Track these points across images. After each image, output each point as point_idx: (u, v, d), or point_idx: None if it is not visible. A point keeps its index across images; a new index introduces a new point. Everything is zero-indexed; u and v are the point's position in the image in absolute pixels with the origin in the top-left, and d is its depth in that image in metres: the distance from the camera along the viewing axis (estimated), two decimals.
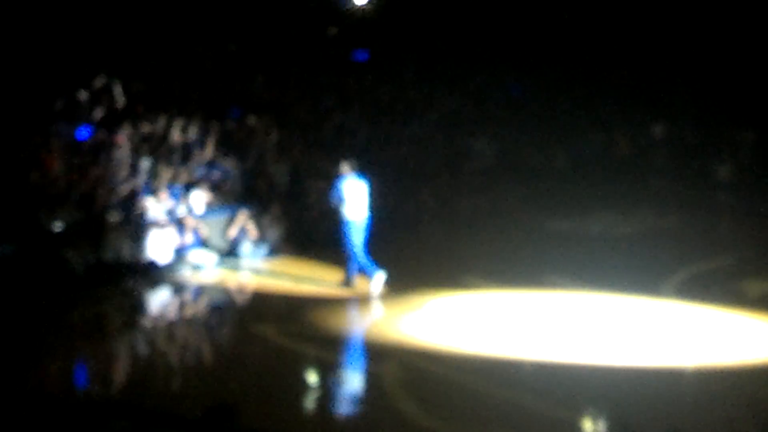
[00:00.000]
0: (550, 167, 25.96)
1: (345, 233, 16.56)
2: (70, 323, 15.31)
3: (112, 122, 21.22)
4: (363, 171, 17.00)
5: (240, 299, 17.44)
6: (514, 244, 19.93)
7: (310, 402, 11.82)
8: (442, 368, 12.57)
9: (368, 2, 26.70)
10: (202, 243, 18.81)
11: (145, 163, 19.47)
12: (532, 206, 21.80)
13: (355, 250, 16.51)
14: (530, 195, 22.47)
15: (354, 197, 16.59)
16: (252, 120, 23.14)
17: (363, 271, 16.59)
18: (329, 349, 13.57)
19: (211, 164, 20.97)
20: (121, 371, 13.09)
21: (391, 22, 27.62)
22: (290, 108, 24.68)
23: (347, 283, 16.61)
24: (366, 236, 16.74)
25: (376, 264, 16.62)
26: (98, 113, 21.41)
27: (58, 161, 19.09)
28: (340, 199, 16.58)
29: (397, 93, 26.52)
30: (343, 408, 11.47)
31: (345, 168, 16.80)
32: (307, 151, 22.61)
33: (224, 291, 17.77)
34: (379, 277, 16.49)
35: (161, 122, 21.35)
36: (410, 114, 25.43)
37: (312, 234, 20.18)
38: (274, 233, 19.82)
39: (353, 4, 26.69)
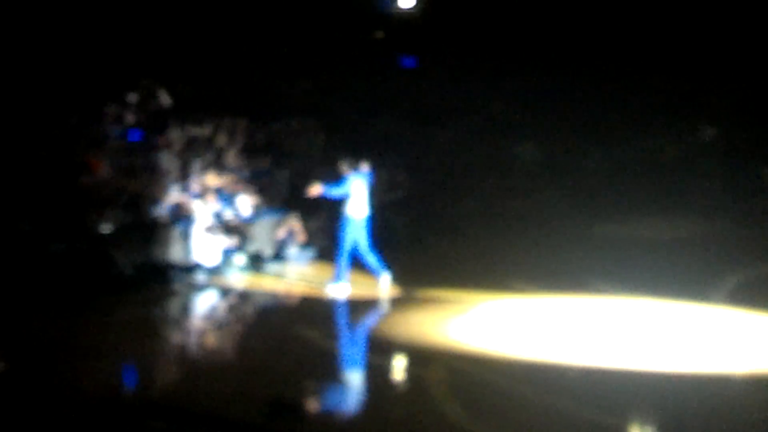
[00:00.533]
0: (597, 171, 25.78)
1: (342, 230, 16.82)
2: (117, 323, 15.40)
3: (160, 125, 21.37)
4: (408, 173, 17.11)
5: (284, 302, 17.47)
6: (560, 248, 19.86)
7: (355, 405, 11.82)
8: (489, 373, 12.52)
9: (414, 6, 26.66)
10: (248, 246, 18.89)
11: (192, 166, 19.57)
12: (579, 210, 21.70)
13: (346, 247, 16.76)
14: (577, 199, 22.35)
15: (356, 195, 16.80)
16: (298, 124, 23.21)
17: (371, 271, 16.88)
18: (375, 353, 13.57)
19: (257, 168, 21.06)
20: (166, 372, 13.15)
21: (437, 25, 27.57)
22: (336, 112, 24.72)
23: (337, 279, 16.79)
24: (370, 234, 16.98)
25: (384, 264, 16.78)
26: (147, 116, 21.58)
27: (107, 164, 19.25)
28: (343, 197, 16.80)
29: (442, 96, 26.47)
30: (389, 412, 11.45)
31: (347, 166, 17.02)
32: (352, 155, 22.61)
33: (269, 294, 17.82)
34: (386, 277, 16.66)
35: (209, 125, 21.45)
36: (455, 117, 25.38)
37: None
38: (320, 237, 19.86)
39: (398, 7, 26.67)
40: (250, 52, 26.17)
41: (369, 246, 16.90)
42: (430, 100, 26.23)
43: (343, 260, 16.77)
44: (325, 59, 26.69)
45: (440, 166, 23.29)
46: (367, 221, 16.96)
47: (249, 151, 21.39)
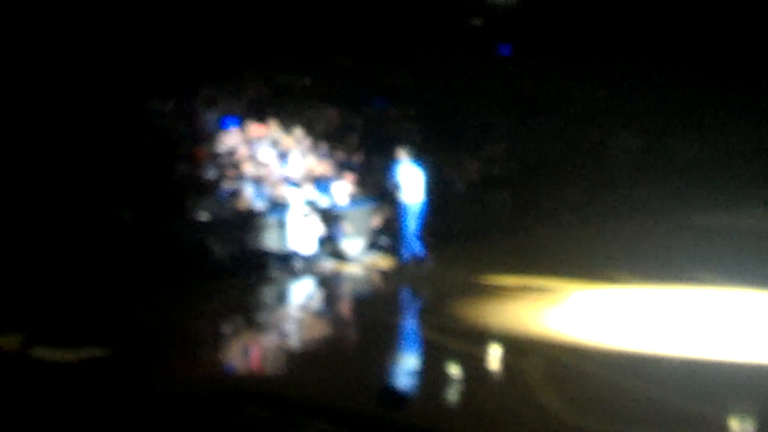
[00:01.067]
0: (698, 160, 25.36)
1: (401, 217, 17.45)
2: (215, 310, 15.61)
3: (259, 113, 21.59)
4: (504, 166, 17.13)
5: (379, 291, 17.50)
6: (660, 238, 19.61)
7: (453, 395, 11.80)
8: (587, 363, 12.42)
9: None
10: (345, 234, 18.95)
11: (290, 155, 19.70)
12: (680, 200, 21.38)
13: (409, 232, 17.38)
14: (677, 189, 22.04)
15: (409, 183, 17.43)
16: (395, 111, 23.24)
17: (414, 254, 17.51)
18: (473, 342, 13.52)
19: (354, 156, 21.13)
20: (266, 359, 13.27)
21: (536, 13, 27.40)
22: (433, 99, 24.71)
23: (406, 264, 17.49)
24: (420, 221, 17.56)
25: (423, 248, 17.49)
26: (245, 104, 21.81)
27: (206, 152, 19.47)
28: (397, 185, 17.48)
29: (541, 85, 26.32)
30: (487, 403, 11.39)
31: (401, 154, 17.72)
32: (448, 144, 22.58)
33: (365, 282, 17.88)
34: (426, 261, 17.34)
35: (306, 114, 21.59)
36: (554, 106, 25.20)
37: (451, 228, 20.20)
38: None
39: None
40: (347, 38, 26.27)
41: (416, 232, 17.51)
42: (529, 89, 26.07)
43: (411, 243, 17.39)
44: (423, 47, 26.69)
45: (539, 155, 23.12)
46: (421, 207, 17.55)
47: (347, 139, 21.49)
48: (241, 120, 21.04)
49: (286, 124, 21.58)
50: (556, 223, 21.40)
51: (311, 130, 21.41)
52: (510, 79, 26.53)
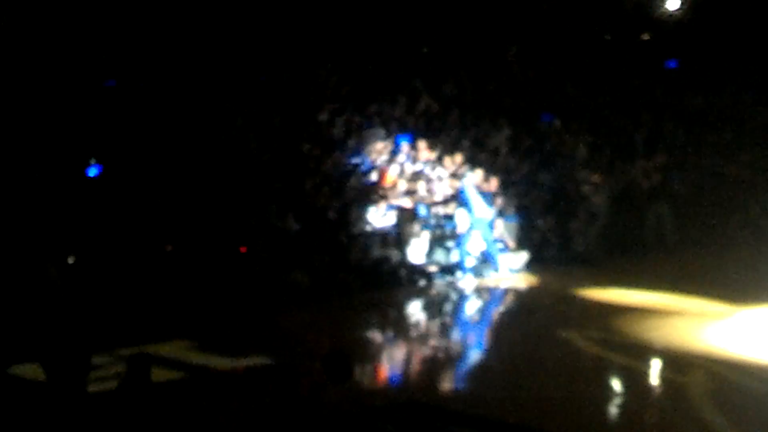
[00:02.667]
0: None
1: (481, 233, 18.67)
2: (382, 321, 16.14)
3: (428, 128, 21.97)
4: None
5: (540, 303, 17.58)
6: None
7: (614, 409, 11.95)
8: (750, 380, 12.42)
9: (680, 7, 26.31)
10: (507, 247, 19.18)
11: (454, 169, 19.97)
12: None
13: (491, 245, 18.74)
14: None
15: (475, 200, 18.62)
16: (562, 124, 23.31)
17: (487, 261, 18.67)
18: (634, 357, 13.62)
19: (520, 170, 21.34)
20: (431, 372, 13.61)
21: (704, 27, 27.09)
22: (601, 113, 24.68)
23: (493, 269, 18.63)
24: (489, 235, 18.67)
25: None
26: (414, 119, 22.21)
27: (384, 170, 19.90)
28: (466, 204, 18.67)
29: (709, 99, 25.99)
30: (649, 417, 11.52)
31: (470, 177, 19.02)
32: (619, 158, 22.52)
33: (525, 294, 18.11)
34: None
35: (475, 128, 21.92)
36: (723, 120, 24.86)
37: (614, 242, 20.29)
38: (578, 240, 19.94)
39: (666, 9, 26.37)
40: (516, 52, 26.44)
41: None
42: (697, 102, 25.77)
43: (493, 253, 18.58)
44: (590, 60, 26.66)
45: (710, 170, 22.84)
46: (489, 223, 18.75)
47: (514, 152, 21.71)
48: (412, 136, 21.44)
49: (455, 139, 21.93)
50: (725, 240, 21.14)
51: (479, 144, 21.73)
52: (679, 93, 26.24)
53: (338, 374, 8.84)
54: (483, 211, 18.71)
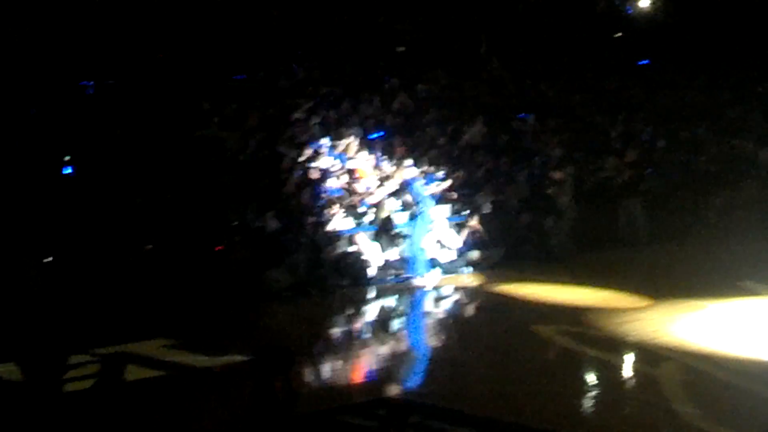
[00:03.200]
0: None
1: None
2: (350, 319, 16.24)
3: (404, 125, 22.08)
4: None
5: (510, 300, 17.57)
6: None
7: (588, 402, 12.06)
8: (722, 372, 12.55)
9: (651, 6, 26.42)
10: (481, 244, 19.21)
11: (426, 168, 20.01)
12: None
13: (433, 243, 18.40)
14: None
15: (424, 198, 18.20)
16: (537, 123, 23.47)
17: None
18: (608, 350, 13.74)
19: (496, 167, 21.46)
20: (400, 369, 13.72)
21: (676, 25, 27.27)
22: (576, 111, 24.83)
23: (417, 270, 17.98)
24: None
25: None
26: (391, 117, 22.33)
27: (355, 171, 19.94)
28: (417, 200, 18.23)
29: (680, 97, 26.16)
30: (621, 409, 11.63)
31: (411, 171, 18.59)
32: (592, 154, 22.66)
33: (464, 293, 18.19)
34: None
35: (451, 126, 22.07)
36: (694, 118, 25.04)
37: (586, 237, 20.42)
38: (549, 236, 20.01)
39: (638, 7, 26.50)
40: (489, 50, 26.56)
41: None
42: (669, 101, 25.94)
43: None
44: (564, 59, 26.81)
45: (683, 167, 22.99)
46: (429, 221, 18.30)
47: (488, 150, 21.84)
48: (385, 133, 21.54)
49: (431, 135, 22.07)
50: (696, 234, 21.30)
51: (455, 141, 21.87)
52: (652, 91, 26.38)
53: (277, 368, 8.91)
54: (429, 208, 18.30)
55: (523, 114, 24.12)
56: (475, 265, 19.04)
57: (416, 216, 18.29)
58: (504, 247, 19.55)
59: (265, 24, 23.65)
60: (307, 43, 24.29)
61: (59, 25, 20.63)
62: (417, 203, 18.31)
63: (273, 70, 23.03)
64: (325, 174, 19.39)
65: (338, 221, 18.40)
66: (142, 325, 14.71)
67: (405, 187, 18.93)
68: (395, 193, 19.33)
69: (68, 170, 17.99)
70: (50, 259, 15.43)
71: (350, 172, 19.74)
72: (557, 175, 20.58)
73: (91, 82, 20.79)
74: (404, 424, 8.84)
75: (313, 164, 19.46)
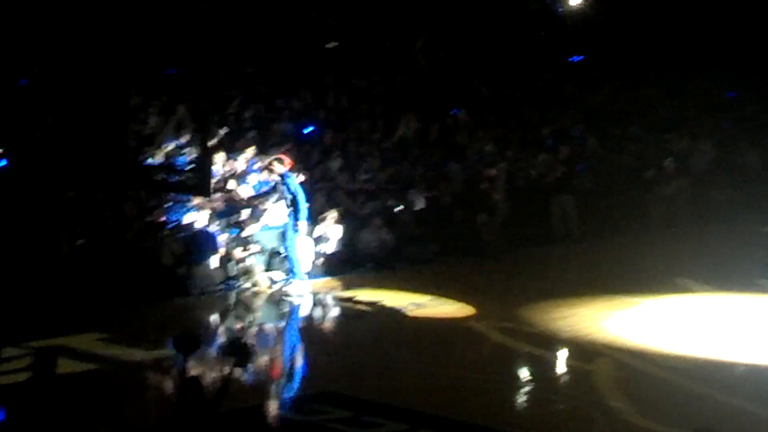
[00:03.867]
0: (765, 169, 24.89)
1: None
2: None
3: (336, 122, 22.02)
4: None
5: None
6: (728, 248, 19.55)
7: (522, 397, 12.11)
8: (654, 368, 12.67)
9: (583, 3, 26.55)
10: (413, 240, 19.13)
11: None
12: (749, 210, 21.31)
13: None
14: (747, 199, 21.93)
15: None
16: (468, 118, 23.53)
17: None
18: (541, 346, 13.81)
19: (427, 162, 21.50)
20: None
21: (607, 23, 27.45)
22: (513, 108, 24.90)
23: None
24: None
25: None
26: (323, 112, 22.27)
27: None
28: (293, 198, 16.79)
29: (612, 95, 26.36)
30: (555, 405, 11.70)
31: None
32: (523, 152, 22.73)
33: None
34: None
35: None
36: (627, 117, 25.23)
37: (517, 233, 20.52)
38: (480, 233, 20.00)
39: (569, 5, 26.64)
40: (425, 47, 26.55)
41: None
42: (602, 98, 26.10)
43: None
44: (498, 55, 26.87)
45: (615, 164, 23.14)
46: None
47: (422, 145, 21.87)
48: (318, 127, 21.47)
49: (363, 131, 22.06)
50: (627, 231, 21.46)
51: (386, 136, 21.90)
52: (586, 88, 26.52)
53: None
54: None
55: (455, 110, 24.13)
56: (408, 260, 18.91)
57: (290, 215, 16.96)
58: (437, 243, 19.51)
59: (197, 18, 23.41)
60: (238, 38, 24.12)
61: None
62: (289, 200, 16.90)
63: (206, 65, 22.81)
64: None
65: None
66: (75, 318, 14.57)
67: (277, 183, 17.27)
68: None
69: (2, 163, 17.61)
70: None
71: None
72: (490, 171, 20.64)
73: (22, 75, 20.41)
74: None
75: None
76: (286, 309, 16.52)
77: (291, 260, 16.94)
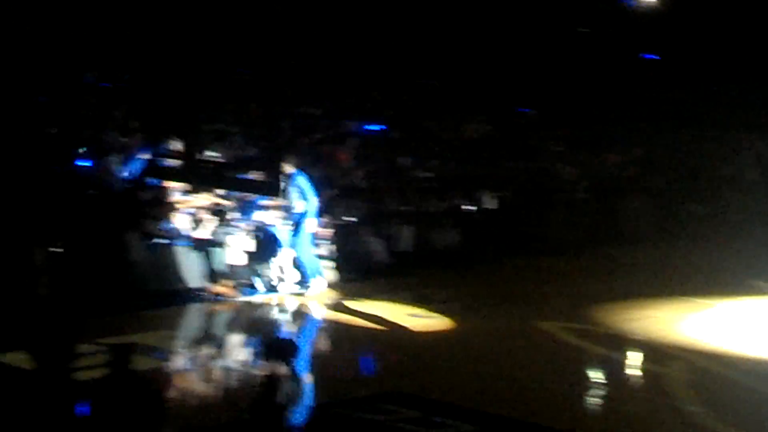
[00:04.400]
0: None
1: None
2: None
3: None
4: None
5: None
6: None
7: (594, 399, 12.02)
8: (730, 371, 12.54)
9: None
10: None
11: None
12: None
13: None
14: None
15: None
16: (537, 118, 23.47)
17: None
18: (614, 348, 13.70)
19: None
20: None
21: (685, 19, 27.07)
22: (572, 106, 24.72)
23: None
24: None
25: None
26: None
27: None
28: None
29: (684, 93, 26.06)
30: (628, 407, 11.59)
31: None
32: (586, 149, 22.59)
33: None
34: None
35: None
36: (697, 115, 24.90)
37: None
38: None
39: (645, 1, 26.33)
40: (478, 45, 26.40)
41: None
42: (670, 96, 25.83)
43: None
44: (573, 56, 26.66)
45: (680, 163, 22.93)
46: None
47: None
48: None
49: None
50: (695, 232, 21.22)
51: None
52: (651, 86, 26.26)
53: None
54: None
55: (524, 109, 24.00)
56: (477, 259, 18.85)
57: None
58: (506, 242, 19.46)
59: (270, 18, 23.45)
60: (309, 37, 24.15)
61: None
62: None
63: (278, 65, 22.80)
64: None
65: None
66: (144, 317, 14.65)
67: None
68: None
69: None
70: None
71: None
72: (561, 171, 20.55)
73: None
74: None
75: None
76: (339, 309, 16.18)
77: (303, 261, 16.54)
